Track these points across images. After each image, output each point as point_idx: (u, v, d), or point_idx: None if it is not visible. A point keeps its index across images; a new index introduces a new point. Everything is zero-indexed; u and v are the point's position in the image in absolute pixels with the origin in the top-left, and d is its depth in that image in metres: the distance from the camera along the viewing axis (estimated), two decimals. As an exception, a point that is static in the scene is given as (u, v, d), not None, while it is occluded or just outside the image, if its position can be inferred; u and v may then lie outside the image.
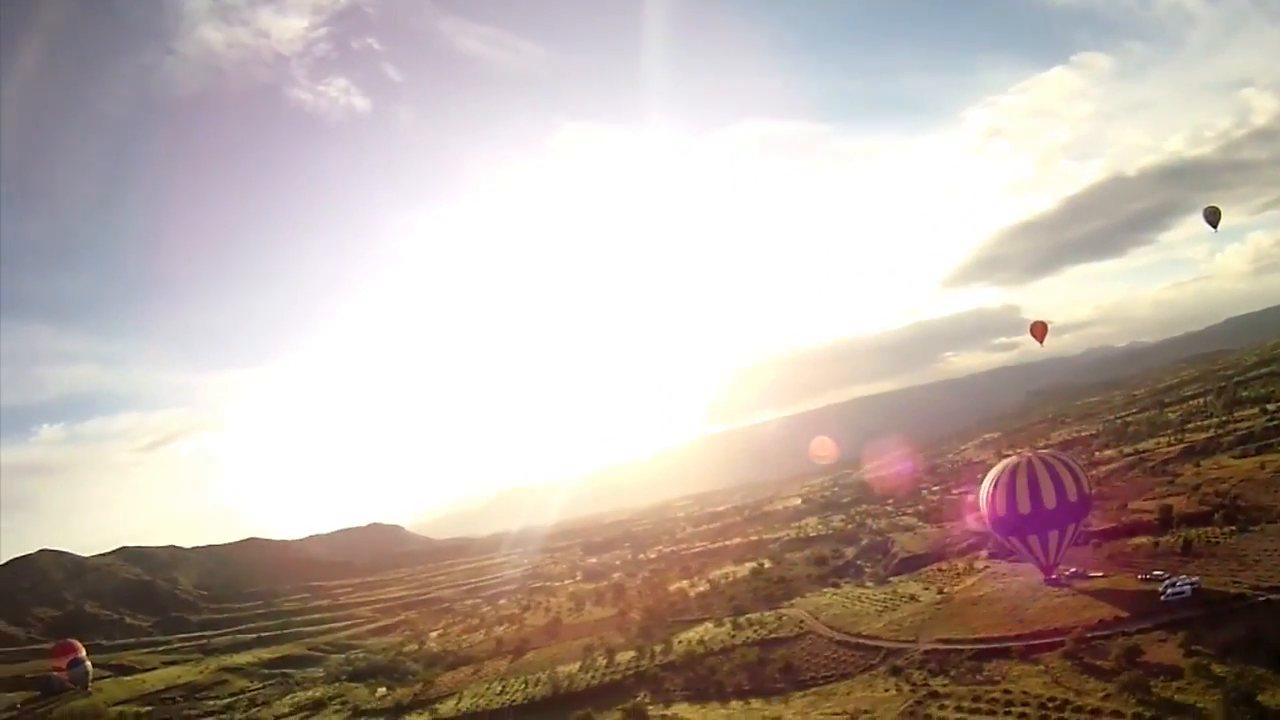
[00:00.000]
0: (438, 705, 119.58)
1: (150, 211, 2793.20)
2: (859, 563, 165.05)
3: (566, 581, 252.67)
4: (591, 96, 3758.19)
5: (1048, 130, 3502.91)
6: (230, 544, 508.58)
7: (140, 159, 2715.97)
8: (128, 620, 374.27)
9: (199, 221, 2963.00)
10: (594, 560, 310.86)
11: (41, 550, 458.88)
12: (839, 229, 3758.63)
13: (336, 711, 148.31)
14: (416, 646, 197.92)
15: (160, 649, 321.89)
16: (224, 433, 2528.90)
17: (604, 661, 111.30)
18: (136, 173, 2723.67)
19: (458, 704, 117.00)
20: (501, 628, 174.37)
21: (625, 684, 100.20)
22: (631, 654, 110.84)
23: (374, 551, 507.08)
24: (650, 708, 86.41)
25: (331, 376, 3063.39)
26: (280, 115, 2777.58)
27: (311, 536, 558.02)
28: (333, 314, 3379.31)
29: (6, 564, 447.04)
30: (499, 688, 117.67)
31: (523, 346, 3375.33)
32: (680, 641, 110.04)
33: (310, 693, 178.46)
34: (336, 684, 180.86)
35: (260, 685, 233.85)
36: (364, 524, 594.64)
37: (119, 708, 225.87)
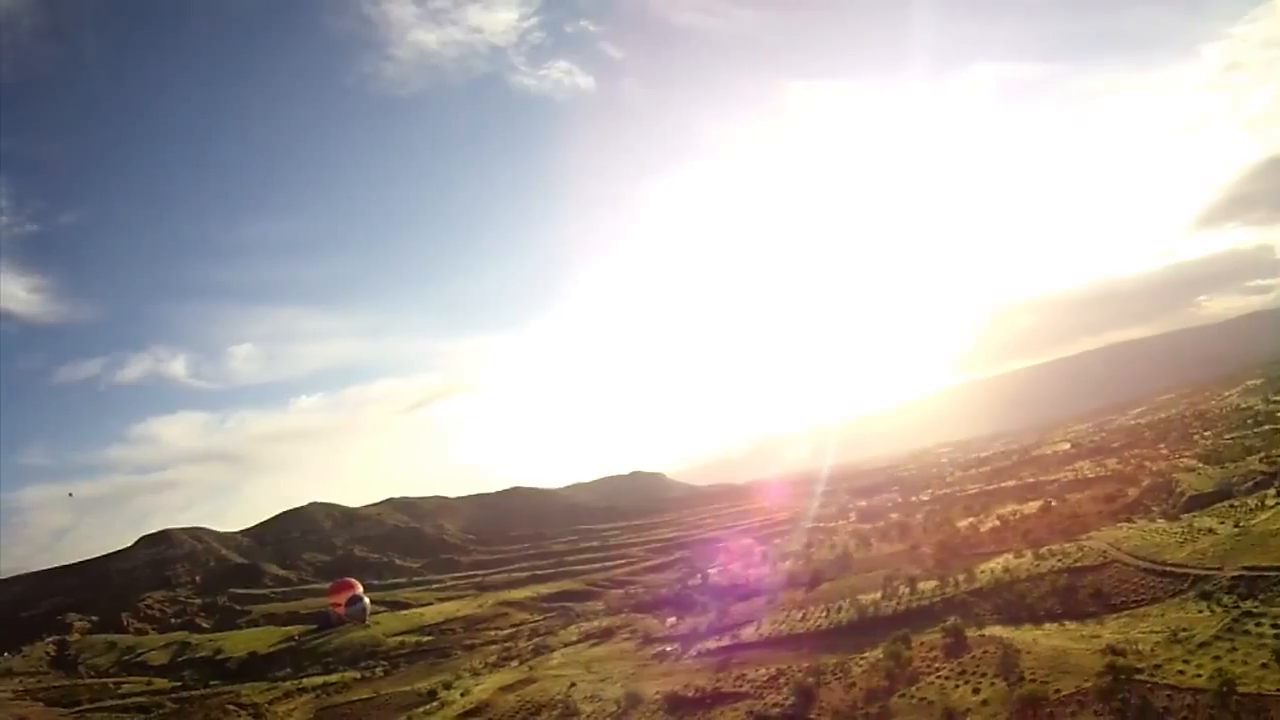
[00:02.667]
0: (738, 631, 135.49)
1: (394, 200, 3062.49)
2: (1145, 502, 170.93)
3: (841, 522, 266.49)
4: (815, 54, 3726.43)
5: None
6: (495, 493, 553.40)
7: (378, 155, 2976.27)
8: (397, 562, 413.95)
9: (443, 205, 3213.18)
10: (864, 503, 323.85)
11: (311, 503, 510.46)
12: (1081, 170, 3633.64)
13: (626, 639, 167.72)
14: (700, 581, 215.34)
15: (433, 587, 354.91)
16: (481, 392, 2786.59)
17: (906, 590, 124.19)
18: (377, 167, 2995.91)
19: (758, 629, 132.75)
20: (788, 562, 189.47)
21: (933, 609, 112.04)
22: (934, 583, 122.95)
23: (637, 498, 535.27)
24: (965, 630, 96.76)
25: (584, 336, 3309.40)
26: (507, 101, 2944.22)
27: (574, 485, 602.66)
28: (581, 278, 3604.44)
29: (278, 516, 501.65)
30: (799, 615, 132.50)
31: (773, 299, 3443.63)
32: (982, 571, 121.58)
33: (595, 622, 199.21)
34: (621, 615, 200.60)
35: (540, 617, 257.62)
36: (626, 472, 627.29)
37: (398, 638, 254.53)
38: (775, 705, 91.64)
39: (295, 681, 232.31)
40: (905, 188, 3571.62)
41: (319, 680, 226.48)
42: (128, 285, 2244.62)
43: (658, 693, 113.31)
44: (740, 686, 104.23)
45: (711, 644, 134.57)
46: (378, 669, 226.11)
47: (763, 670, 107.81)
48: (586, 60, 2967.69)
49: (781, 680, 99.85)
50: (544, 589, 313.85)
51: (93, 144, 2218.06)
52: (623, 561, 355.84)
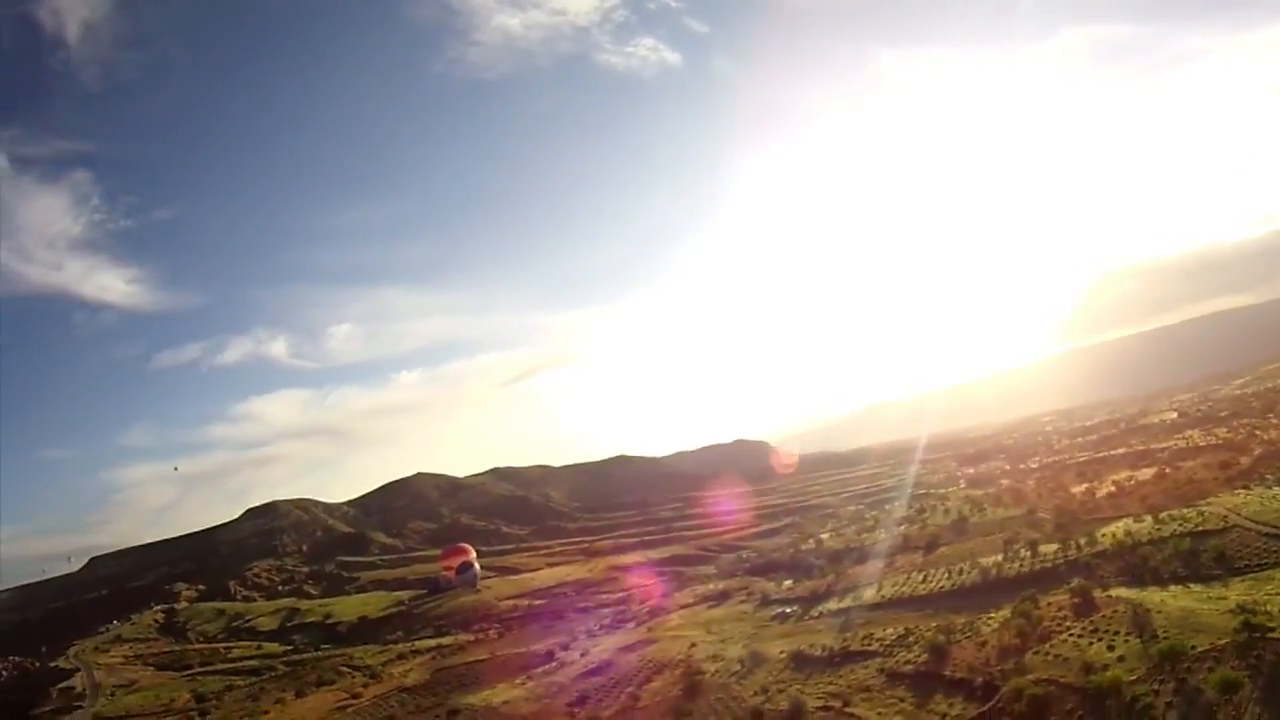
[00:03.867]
0: (860, 592, 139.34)
1: (487, 180, 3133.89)
2: (1259, 470, 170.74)
3: (951, 488, 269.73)
4: (905, 22, 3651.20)
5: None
6: (599, 461, 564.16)
7: (470, 137, 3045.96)
8: (504, 529, 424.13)
9: (536, 183, 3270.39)
10: (971, 470, 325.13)
11: (417, 473, 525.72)
12: (1177, 135, 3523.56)
13: (743, 601, 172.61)
14: (813, 545, 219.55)
15: (541, 553, 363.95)
16: (581, 365, 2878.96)
17: (1028, 553, 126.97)
18: (469, 149, 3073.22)
19: (879, 591, 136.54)
20: (901, 527, 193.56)
21: (1057, 571, 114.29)
22: (1055, 546, 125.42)
23: (741, 466, 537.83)
24: (1091, 590, 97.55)
25: (683, 306, 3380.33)
26: (595, 80, 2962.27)
27: (677, 453, 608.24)
28: (678, 250, 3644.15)
29: (384, 486, 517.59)
30: (919, 577, 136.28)
31: (873, 266, 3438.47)
32: (1103, 535, 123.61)
33: (710, 585, 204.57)
34: (734, 578, 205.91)
35: (652, 581, 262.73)
36: (729, 440, 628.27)
37: (510, 601, 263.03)
38: (908, 662, 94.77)
39: (408, 644, 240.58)
40: (1001, 154, 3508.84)
41: (432, 642, 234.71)
42: (225, 273, 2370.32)
43: (782, 652, 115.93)
44: (869, 645, 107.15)
45: (832, 605, 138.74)
46: (491, 631, 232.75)
47: (890, 630, 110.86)
48: (672, 36, 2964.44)
49: (910, 639, 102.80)
50: (654, 554, 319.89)
51: (181, 142, 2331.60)
52: (731, 527, 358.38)
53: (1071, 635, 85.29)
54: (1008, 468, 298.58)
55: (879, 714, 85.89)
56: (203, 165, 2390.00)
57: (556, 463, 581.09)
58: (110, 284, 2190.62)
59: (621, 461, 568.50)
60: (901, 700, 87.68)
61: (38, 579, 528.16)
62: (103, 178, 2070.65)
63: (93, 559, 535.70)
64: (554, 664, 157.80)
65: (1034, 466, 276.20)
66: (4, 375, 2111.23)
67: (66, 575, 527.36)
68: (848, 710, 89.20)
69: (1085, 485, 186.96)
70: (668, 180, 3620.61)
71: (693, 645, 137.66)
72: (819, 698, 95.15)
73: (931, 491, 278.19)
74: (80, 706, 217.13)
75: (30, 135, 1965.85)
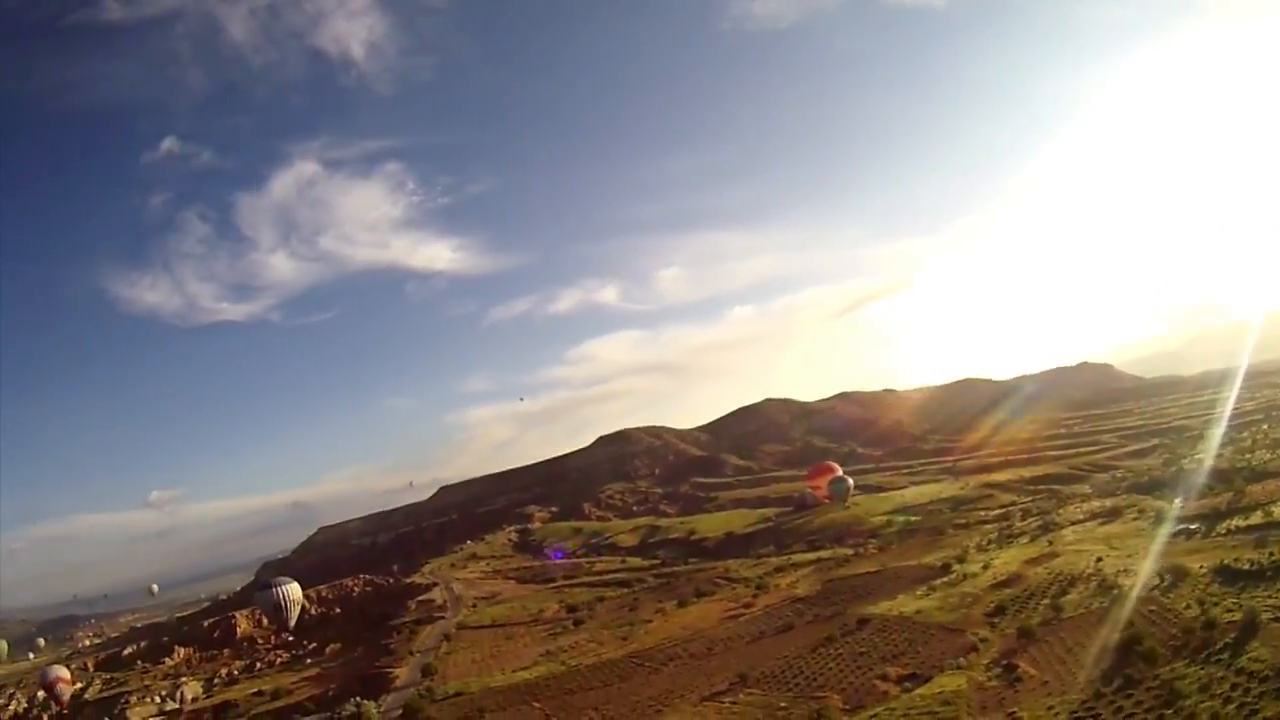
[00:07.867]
0: (1269, 508, 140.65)
1: (799, 123, 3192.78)
2: None
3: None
4: None
5: None
6: (945, 385, 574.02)
7: (772, 84, 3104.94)
8: (859, 451, 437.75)
9: (848, 123, 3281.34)
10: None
11: (766, 399, 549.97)
12: None
13: (1135, 519, 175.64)
14: (1195, 464, 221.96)
15: (903, 472, 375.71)
16: (913, 293, 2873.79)
17: None
18: (774, 96, 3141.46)
19: None
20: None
21: None
22: None
23: (1086, 389, 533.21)
24: None
25: (1016, 233, 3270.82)
26: (885, 16, 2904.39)
27: (1022, 376, 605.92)
28: (1006, 175, 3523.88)
29: (733, 412, 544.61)
30: None
31: (1203, 184, 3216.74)
32: None
33: (1097, 502, 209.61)
34: (1117, 496, 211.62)
35: (1029, 499, 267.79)
36: (1073, 363, 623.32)
37: (883, 517, 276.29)
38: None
39: (783, 558, 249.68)
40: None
41: (811, 556, 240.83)
42: (547, 233, 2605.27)
43: (1202, 566, 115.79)
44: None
45: (1239, 522, 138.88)
46: (870, 546, 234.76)
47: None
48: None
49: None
50: (1025, 472, 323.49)
51: (485, 124, 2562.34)
52: (1096, 448, 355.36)
53: None
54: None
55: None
56: (510, 141, 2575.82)
57: (900, 386, 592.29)
58: (437, 254, 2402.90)
59: (966, 384, 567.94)
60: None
61: (384, 509, 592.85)
62: (414, 165, 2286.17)
63: (441, 488, 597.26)
64: (952, 576, 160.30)
65: None
66: (349, 339, 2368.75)
67: (414, 503, 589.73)
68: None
69: None
70: (984, 106, 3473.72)
71: (1099, 560, 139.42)
72: (1265, 610, 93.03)
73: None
74: (442, 617, 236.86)
75: (337, 141, 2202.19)
